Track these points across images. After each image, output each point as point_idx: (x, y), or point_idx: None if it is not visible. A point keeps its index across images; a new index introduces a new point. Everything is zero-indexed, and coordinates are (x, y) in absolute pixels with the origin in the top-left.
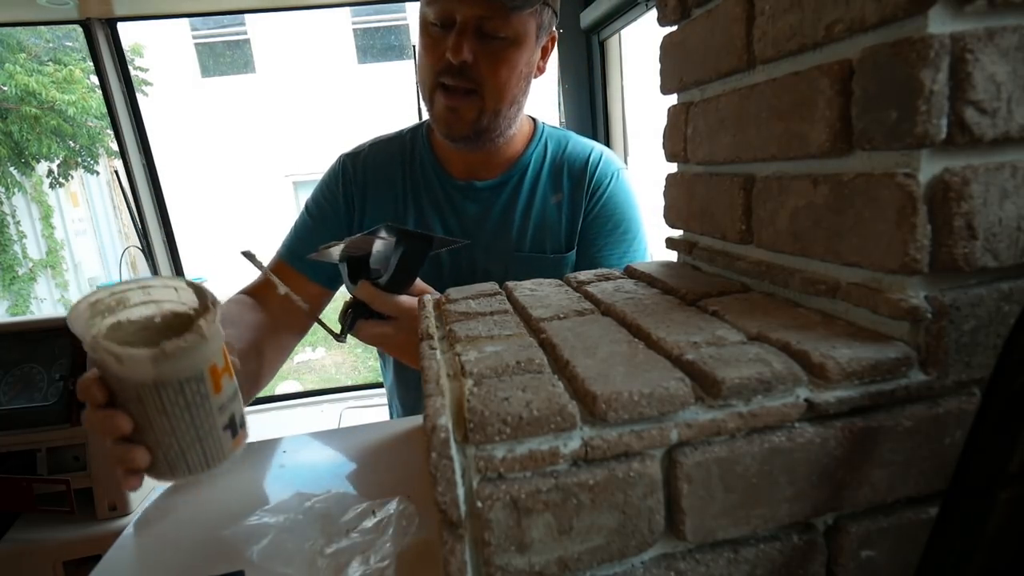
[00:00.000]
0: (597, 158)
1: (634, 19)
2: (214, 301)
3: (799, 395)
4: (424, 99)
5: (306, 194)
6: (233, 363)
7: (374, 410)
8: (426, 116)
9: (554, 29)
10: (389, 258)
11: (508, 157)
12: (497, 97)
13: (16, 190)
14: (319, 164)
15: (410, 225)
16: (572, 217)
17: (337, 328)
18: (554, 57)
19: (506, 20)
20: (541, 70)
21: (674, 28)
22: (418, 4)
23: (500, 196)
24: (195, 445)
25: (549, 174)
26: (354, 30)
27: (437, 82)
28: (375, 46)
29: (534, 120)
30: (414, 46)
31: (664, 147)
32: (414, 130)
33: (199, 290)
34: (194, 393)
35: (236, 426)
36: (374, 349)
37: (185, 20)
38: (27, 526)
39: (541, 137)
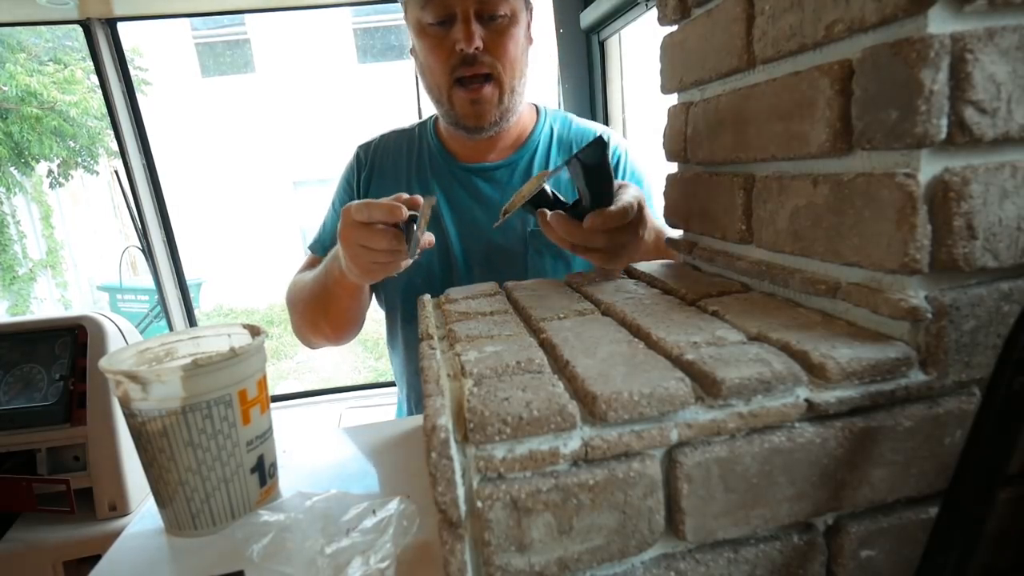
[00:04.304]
0: (606, 139)
1: (634, 19)
2: (257, 331)
3: (799, 395)
4: (439, 102)
5: (307, 193)
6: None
7: (374, 410)
8: (428, 114)
9: None
10: (581, 188)
11: (515, 137)
12: (511, 74)
13: (16, 190)
14: (319, 163)
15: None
16: None
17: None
18: (554, 57)
19: None
20: (531, 40)
21: (674, 28)
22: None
23: (513, 175)
24: (220, 487)
25: (559, 151)
26: (354, 30)
27: (452, 79)
28: (375, 46)
29: (535, 104)
30: (412, 50)
31: (664, 147)
32: (421, 125)
33: (254, 329)
34: (222, 420)
35: (266, 473)
36: (373, 349)
37: (185, 20)
38: (27, 526)
39: (546, 118)
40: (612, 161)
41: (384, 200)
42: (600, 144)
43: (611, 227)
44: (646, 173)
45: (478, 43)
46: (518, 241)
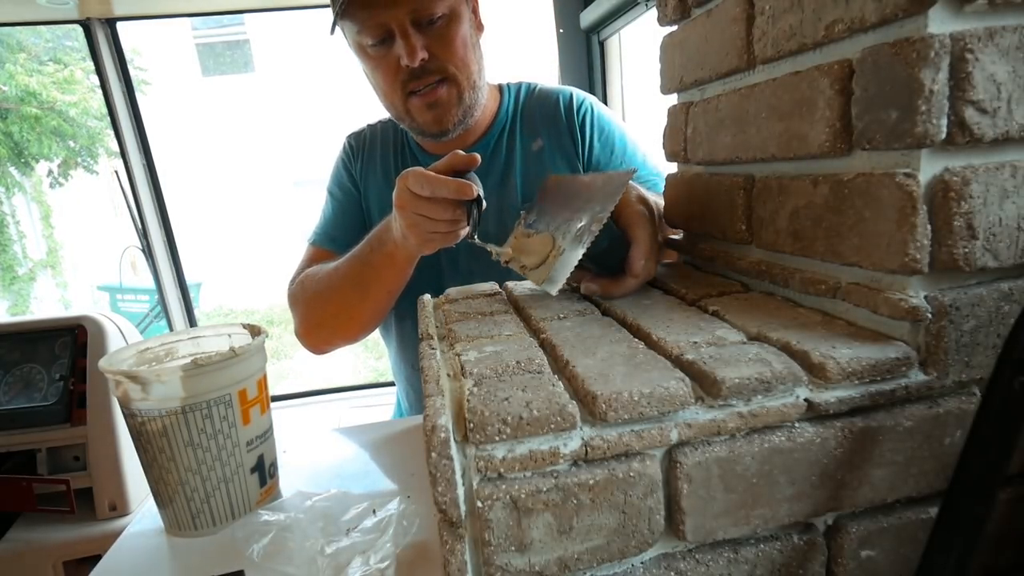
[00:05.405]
0: (567, 96)
1: (634, 19)
2: (257, 331)
3: (799, 395)
4: (400, 119)
5: (307, 193)
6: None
7: (374, 410)
8: None
9: None
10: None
11: (482, 125)
12: (466, 72)
13: (16, 190)
14: (320, 163)
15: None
16: (568, 160)
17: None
18: (554, 57)
19: (433, 1)
20: (481, 27)
21: (674, 28)
22: None
23: (482, 162)
24: (220, 487)
25: (521, 123)
26: None
27: (405, 94)
28: None
29: (498, 85)
30: (364, 71)
31: (664, 147)
32: None
33: (254, 329)
34: (222, 420)
35: (266, 473)
36: (373, 349)
37: (185, 20)
38: (27, 526)
39: (509, 96)
40: (578, 117)
41: (448, 177)
42: (607, 225)
43: (652, 257)
44: (616, 122)
45: (422, 55)
46: (501, 226)
